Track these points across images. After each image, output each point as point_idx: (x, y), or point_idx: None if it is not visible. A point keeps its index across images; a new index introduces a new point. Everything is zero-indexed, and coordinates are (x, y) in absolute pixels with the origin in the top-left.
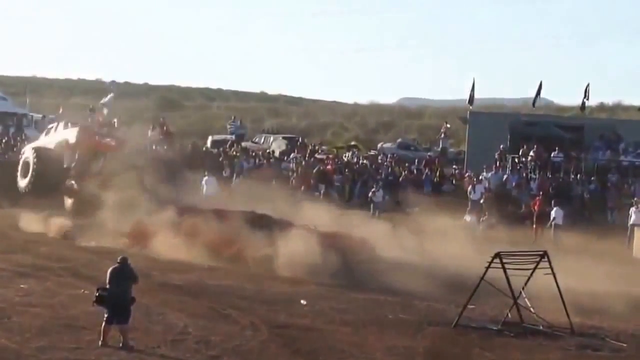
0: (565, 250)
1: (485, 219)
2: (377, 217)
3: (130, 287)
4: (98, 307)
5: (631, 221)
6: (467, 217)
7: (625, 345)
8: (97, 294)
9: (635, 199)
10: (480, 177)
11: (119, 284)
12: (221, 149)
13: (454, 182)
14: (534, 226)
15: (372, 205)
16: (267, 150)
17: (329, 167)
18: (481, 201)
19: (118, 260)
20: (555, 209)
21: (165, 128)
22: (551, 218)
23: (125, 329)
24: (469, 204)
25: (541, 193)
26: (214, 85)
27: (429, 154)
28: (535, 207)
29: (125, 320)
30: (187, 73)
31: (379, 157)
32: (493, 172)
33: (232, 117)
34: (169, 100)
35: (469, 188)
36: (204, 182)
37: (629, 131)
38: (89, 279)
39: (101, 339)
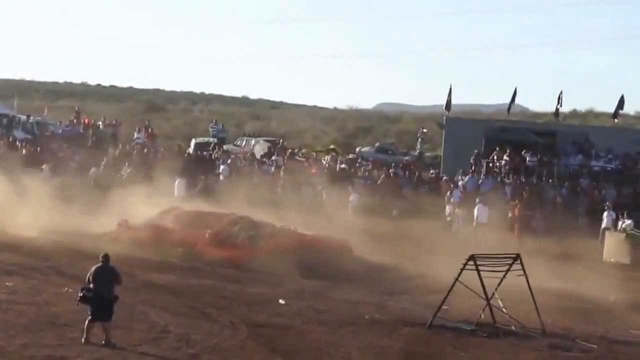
0: (534, 252)
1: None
2: (356, 219)
3: (113, 286)
4: (82, 305)
5: (603, 225)
6: (448, 217)
7: (595, 346)
8: (81, 294)
9: (607, 203)
10: (459, 182)
11: (102, 282)
12: (205, 152)
13: (430, 186)
14: (515, 231)
15: (350, 208)
16: (249, 153)
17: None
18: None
19: (100, 259)
20: (478, 206)
21: (150, 130)
22: (475, 216)
23: (108, 327)
24: (447, 207)
25: (517, 199)
26: (197, 89)
27: (406, 158)
28: (515, 212)
29: (108, 317)
30: (171, 77)
31: (358, 161)
32: (470, 176)
33: (214, 121)
34: (154, 103)
35: (448, 193)
36: (176, 183)
37: (600, 137)
38: (73, 277)
39: (84, 336)
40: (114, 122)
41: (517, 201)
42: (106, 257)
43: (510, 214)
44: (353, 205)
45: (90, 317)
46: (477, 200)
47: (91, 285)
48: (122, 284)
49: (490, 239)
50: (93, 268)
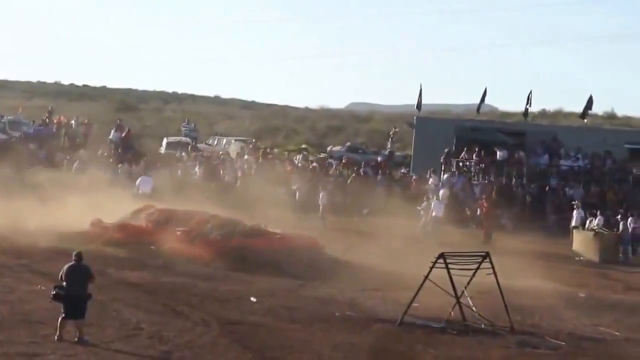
0: (508, 251)
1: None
2: (326, 218)
3: (86, 284)
4: (55, 302)
5: (573, 223)
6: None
7: (563, 343)
8: (54, 292)
9: (576, 202)
10: (429, 180)
11: (75, 280)
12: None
13: (400, 184)
14: (483, 229)
15: (320, 207)
16: (221, 152)
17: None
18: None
19: (73, 258)
20: (434, 202)
21: (128, 131)
22: (431, 211)
23: (81, 324)
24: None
25: (484, 197)
26: (169, 88)
27: (378, 157)
28: (483, 210)
29: (81, 315)
30: (144, 77)
31: (328, 160)
32: (449, 175)
33: (186, 120)
34: (126, 103)
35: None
36: (138, 181)
37: (569, 137)
38: (46, 275)
39: (57, 333)
40: (85, 121)
41: (483, 198)
42: (79, 256)
43: (478, 212)
44: (323, 204)
45: (63, 315)
46: (433, 196)
47: (64, 284)
48: (95, 282)
49: (452, 235)
50: (66, 266)
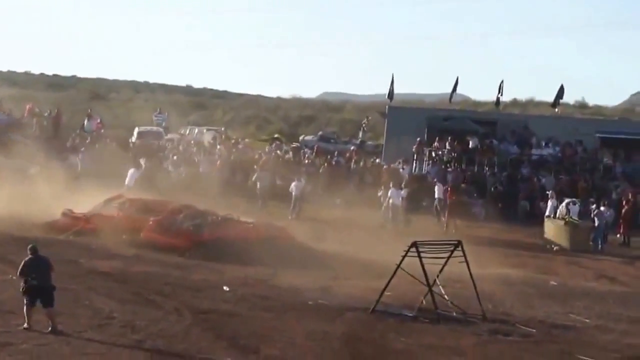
0: (480, 240)
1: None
2: (297, 208)
3: (50, 274)
4: (26, 295)
5: (547, 213)
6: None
7: (534, 330)
8: (24, 285)
9: (550, 191)
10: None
11: (40, 272)
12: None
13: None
14: (444, 218)
15: (293, 197)
16: (192, 141)
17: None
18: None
19: (29, 251)
20: (391, 190)
21: (100, 121)
22: (388, 198)
23: (53, 313)
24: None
25: (450, 185)
26: (141, 78)
27: (351, 146)
28: (447, 198)
29: (50, 303)
30: (115, 66)
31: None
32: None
33: (158, 110)
34: (97, 92)
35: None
36: (130, 173)
37: (540, 126)
38: (18, 265)
39: (26, 322)
40: (55, 111)
41: (448, 187)
42: (35, 249)
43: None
44: (295, 194)
45: (27, 304)
46: (390, 184)
47: (29, 278)
48: (66, 272)
49: (417, 223)
50: (25, 261)
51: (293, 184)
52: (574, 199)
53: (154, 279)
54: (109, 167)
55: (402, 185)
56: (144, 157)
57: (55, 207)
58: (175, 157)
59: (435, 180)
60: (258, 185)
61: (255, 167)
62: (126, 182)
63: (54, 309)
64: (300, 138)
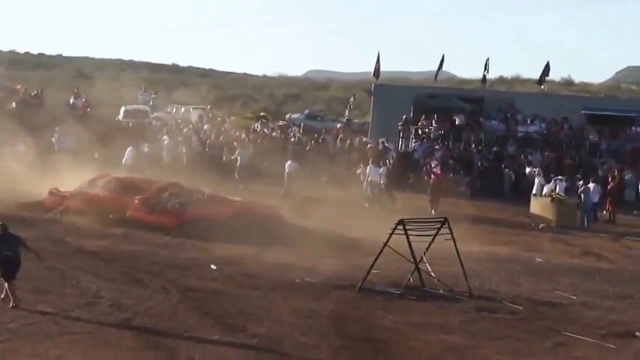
0: (466, 217)
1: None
2: (286, 185)
3: (19, 250)
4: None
5: (533, 190)
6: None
7: (520, 307)
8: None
9: (537, 169)
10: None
11: (11, 246)
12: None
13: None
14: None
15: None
16: (178, 120)
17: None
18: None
19: None
20: (369, 167)
21: (85, 100)
22: (367, 176)
23: (14, 286)
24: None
25: (433, 164)
26: (126, 56)
27: (338, 124)
28: (433, 178)
29: (13, 277)
30: (100, 45)
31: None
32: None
33: (143, 88)
34: (82, 71)
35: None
36: (127, 152)
37: (526, 103)
38: None
39: (12, 301)
40: (39, 90)
41: (434, 166)
42: (4, 226)
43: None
44: (288, 172)
45: (5, 280)
46: (369, 161)
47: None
48: (55, 251)
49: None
50: None
51: (287, 163)
52: (560, 177)
53: (141, 258)
54: (93, 146)
55: (380, 163)
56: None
57: (42, 186)
58: (166, 137)
59: (428, 160)
60: (238, 163)
61: (235, 144)
62: (123, 161)
63: (14, 282)
64: (287, 116)
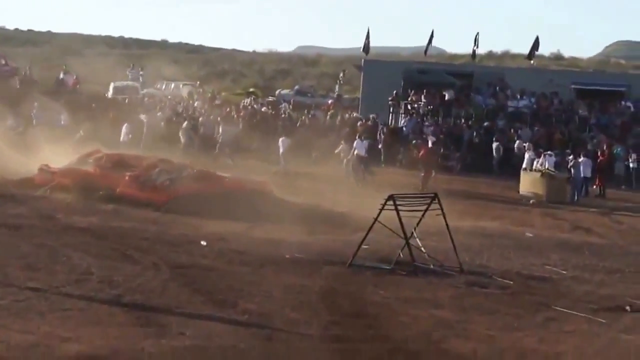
0: (457, 193)
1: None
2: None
3: None
4: None
5: (524, 165)
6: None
7: (511, 282)
8: None
9: (528, 144)
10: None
11: None
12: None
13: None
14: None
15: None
16: (168, 96)
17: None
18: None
19: None
20: (357, 141)
21: (75, 76)
22: (354, 151)
23: None
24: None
25: (429, 140)
26: (115, 33)
27: (328, 100)
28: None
29: None
30: (89, 21)
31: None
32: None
33: (131, 65)
34: (71, 47)
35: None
36: (123, 128)
37: (515, 78)
38: None
39: None
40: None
41: (423, 142)
42: None
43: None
44: (284, 148)
45: None
46: (358, 136)
47: None
48: (45, 228)
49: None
50: None
51: (280, 140)
52: (549, 151)
53: (131, 235)
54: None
55: (363, 137)
56: (145, 112)
57: (32, 163)
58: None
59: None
60: (220, 139)
61: (218, 119)
62: (122, 138)
63: None
64: (277, 92)
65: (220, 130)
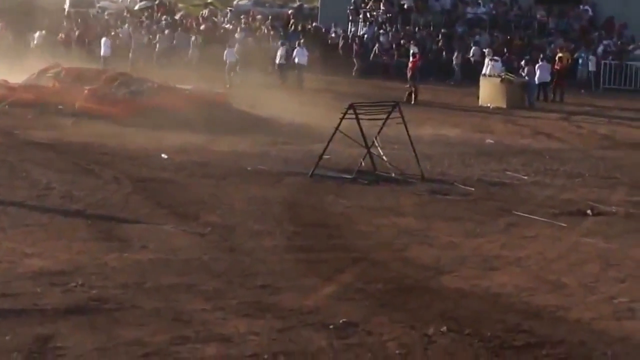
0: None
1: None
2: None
3: None
4: None
5: (483, 71)
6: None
7: (472, 189)
8: None
9: (488, 49)
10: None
11: None
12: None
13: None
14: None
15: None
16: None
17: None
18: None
19: None
20: (297, 49)
21: None
22: (295, 60)
23: None
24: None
25: (418, 53)
26: None
27: (288, 10)
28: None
29: None
30: None
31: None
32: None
33: None
34: None
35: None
36: (102, 42)
37: None
38: None
39: None
40: None
41: (415, 55)
42: None
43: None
44: (230, 60)
45: None
46: (297, 43)
47: None
48: (4, 143)
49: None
50: None
51: (226, 51)
52: (495, 57)
53: (91, 149)
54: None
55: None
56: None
57: None
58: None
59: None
60: (156, 49)
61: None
62: (102, 52)
63: None
64: (235, 2)
65: (157, 39)
